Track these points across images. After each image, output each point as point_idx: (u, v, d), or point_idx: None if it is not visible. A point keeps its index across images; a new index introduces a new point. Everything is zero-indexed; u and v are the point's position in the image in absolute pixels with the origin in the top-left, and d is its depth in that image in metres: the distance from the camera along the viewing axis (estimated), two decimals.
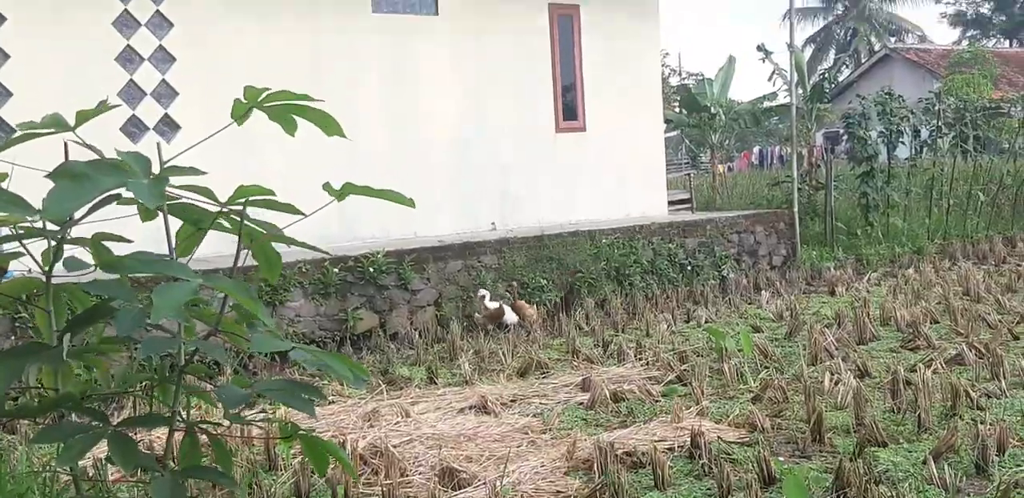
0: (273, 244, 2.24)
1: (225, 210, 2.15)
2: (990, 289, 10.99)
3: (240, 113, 2.29)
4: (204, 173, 2.06)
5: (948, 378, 6.85)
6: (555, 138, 12.93)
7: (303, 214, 2.19)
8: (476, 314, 9.97)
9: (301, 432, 2.44)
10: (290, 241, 2.19)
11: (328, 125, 2.27)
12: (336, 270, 9.23)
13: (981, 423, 5.75)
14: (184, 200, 2.15)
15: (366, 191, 2.32)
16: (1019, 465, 5.27)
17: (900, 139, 15.42)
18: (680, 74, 47.89)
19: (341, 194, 2.32)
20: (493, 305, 9.76)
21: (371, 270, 9.42)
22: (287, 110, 2.25)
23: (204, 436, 2.42)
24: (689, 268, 12.25)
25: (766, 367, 7.85)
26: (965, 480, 5.09)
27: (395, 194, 2.36)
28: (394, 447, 5.66)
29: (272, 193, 2.15)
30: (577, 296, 10.96)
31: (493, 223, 12.22)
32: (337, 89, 10.85)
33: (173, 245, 2.25)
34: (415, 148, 11.62)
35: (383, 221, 10.80)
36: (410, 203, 2.34)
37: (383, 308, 9.60)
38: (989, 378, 7.13)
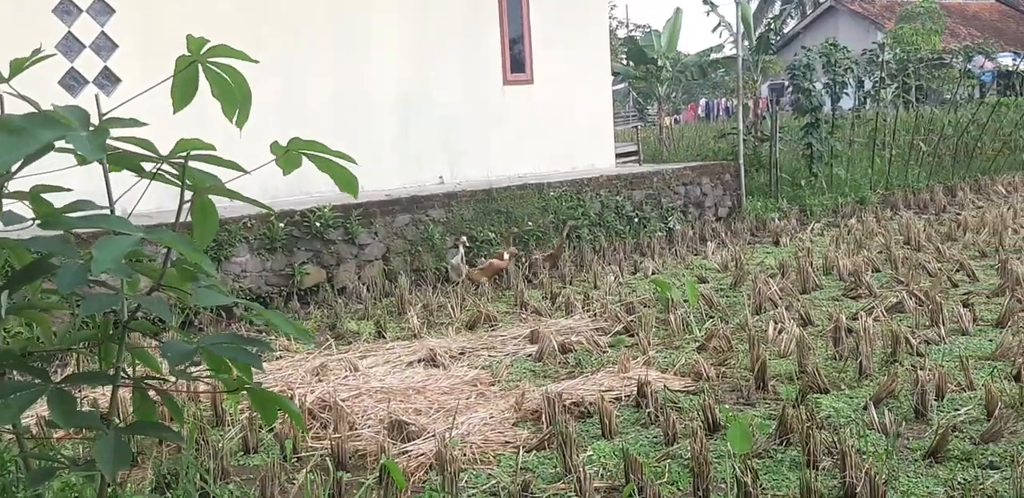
0: (217, 199, 2.21)
1: (164, 163, 2.11)
2: (930, 238, 11.20)
3: (183, 67, 2.24)
4: (145, 124, 2.02)
5: (889, 325, 7.00)
6: (503, 91, 12.85)
7: (244, 171, 2.16)
8: (461, 268, 9.82)
9: (248, 386, 2.43)
10: (232, 194, 2.16)
11: (240, 97, 2.21)
12: (282, 225, 9.15)
13: (920, 369, 5.89)
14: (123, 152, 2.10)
15: (311, 146, 2.29)
16: (957, 409, 5.42)
17: (844, 90, 15.56)
18: (628, 26, 47.70)
19: (287, 152, 2.29)
20: (495, 260, 9.79)
21: (318, 225, 9.35)
22: (220, 77, 2.19)
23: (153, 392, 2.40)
24: (636, 220, 12.33)
25: (711, 317, 7.96)
26: (904, 425, 5.23)
27: (339, 153, 2.33)
28: (342, 401, 5.68)
29: (212, 148, 2.11)
30: (526, 249, 10.99)
31: (441, 177, 12.17)
32: (280, 45, 10.67)
33: (113, 199, 2.22)
34: (361, 103, 11.48)
35: (328, 176, 10.65)
36: (351, 160, 2.32)
37: (330, 263, 9.56)
38: (928, 325, 7.29)
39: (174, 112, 2.28)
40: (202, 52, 2.22)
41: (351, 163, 2.35)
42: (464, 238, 10.06)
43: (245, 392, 2.44)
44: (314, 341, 7.49)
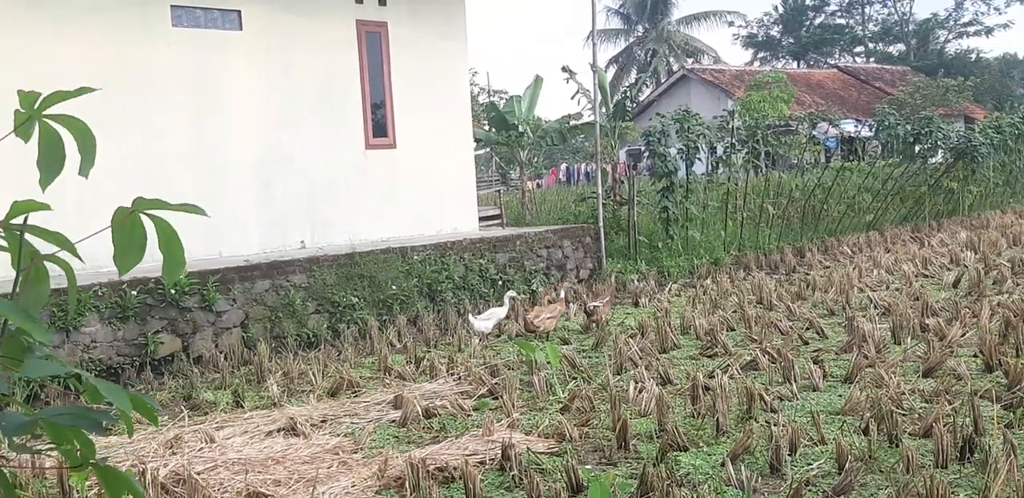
0: (73, 266, 2.12)
1: None
2: (781, 297, 11.61)
3: (20, 123, 2.16)
4: None
5: (744, 383, 7.19)
6: (365, 155, 12.86)
7: (71, 248, 2.07)
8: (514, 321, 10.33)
9: (93, 462, 2.31)
10: (63, 263, 2.08)
11: (86, 148, 2.13)
12: (135, 293, 8.86)
13: (774, 425, 6.06)
14: None
15: (157, 204, 2.22)
16: (809, 464, 5.58)
17: (697, 155, 16.10)
18: (489, 93, 48.57)
19: (132, 213, 2.22)
20: (592, 304, 10.29)
21: (173, 292, 9.09)
22: (50, 135, 2.11)
23: None
24: (500, 283, 12.41)
25: (574, 378, 8.04)
26: (760, 480, 5.35)
27: (188, 206, 2.27)
28: (198, 474, 5.48)
29: (47, 207, 2.03)
30: (390, 313, 10.91)
31: (302, 241, 12.03)
32: (137, 105, 10.48)
33: None
34: (221, 165, 11.32)
35: (186, 241, 10.26)
36: (202, 212, 2.26)
37: (186, 331, 9.28)
38: (781, 381, 7.53)
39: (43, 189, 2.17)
40: (40, 101, 2.14)
41: (208, 219, 2.30)
42: (513, 292, 10.64)
43: (91, 468, 2.32)
44: (160, 412, 7.22)
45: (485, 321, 10.13)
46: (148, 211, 2.15)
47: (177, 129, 10.94)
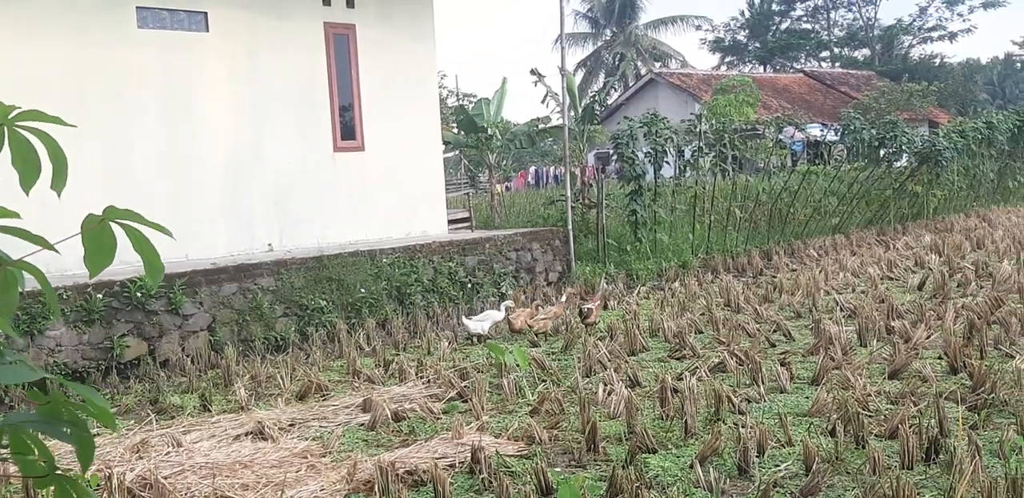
0: (43, 268, 2.10)
1: None
2: (749, 300, 11.69)
3: None
4: None
5: (712, 385, 7.23)
6: (334, 158, 12.81)
7: (51, 247, 2.05)
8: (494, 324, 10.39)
9: (58, 473, 2.28)
10: (33, 269, 2.06)
11: (55, 162, 2.11)
12: (101, 296, 8.78)
13: (742, 427, 6.09)
14: None
15: (128, 215, 2.20)
16: (777, 465, 5.62)
17: (665, 159, 16.16)
18: (458, 96, 48.55)
19: (103, 221, 2.20)
20: (586, 305, 10.48)
21: (139, 295, 9.01)
22: (23, 144, 2.09)
23: None
24: (469, 286, 12.40)
25: (543, 380, 8.05)
26: (729, 482, 5.38)
27: (156, 225, 2.25)
28: (164, 479, 5.44)
29: (16, 215, 2.02)
30: (358, 316, 10.87)
31: (270, 244, 11.97)
32: (105, 107, 10.40)
33: None
34: (190, 168, 11.23)
35: (153, 243, 10.32)
36: (168, 233, 2.24)
37: (152, 334, 9.20)
38: (749, 383, 7.57)
39: None
40: (11, 116, 2.13)
41: (171, 232, 2.28)
42: (510, 301, 10.81)
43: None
44: (116, 426, 7.16)
45: (480, 322, 10.24)
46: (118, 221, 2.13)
47: (145, 131, 10.85)
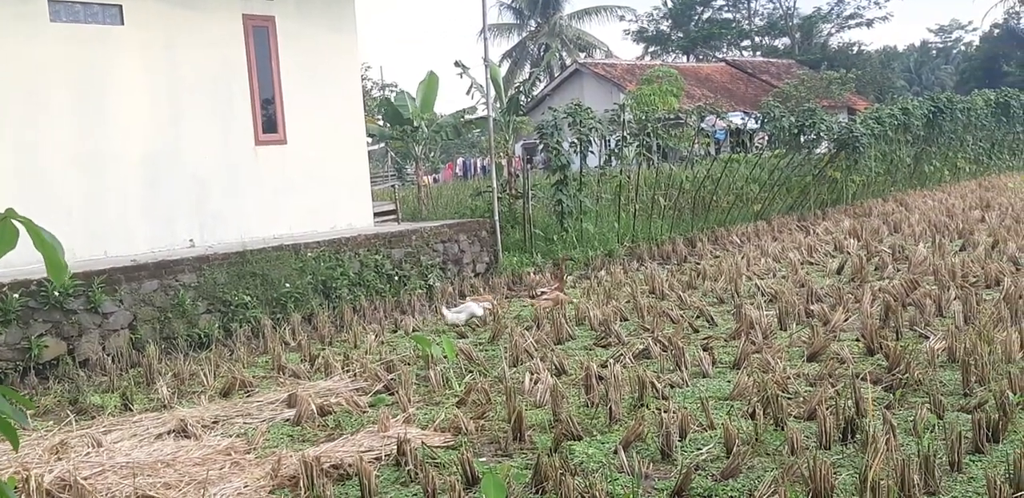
0: None
1: None
2: (673, 287, 11.83)
3: None
4: None
5: (636, 371, 7.32)
6: (255, 151, 12.65)
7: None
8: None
9: None
10: None
11: None
12: (16, 296, 8.57)
13: (665, 412, 6.19)
14: None
15: (28, 223, 2.15)
16: (699, 449, 5.71)
17: (590, 149, 16.27)
18: (383, 88, 48.21)
19: (4, 218, 2.15)
20: (553, 294, 10.67)
21: (56, 294, 8.82)
22: None
23: None
24: (396, 278, 12.36)
25: (471, 371, 8.07)
26: (652, 466, 5.46)
27: (53, 238, 2.18)
28: (84, 479, 5.35)
29: None
30: (284, 311, 10.77)
31: (191, 240, 11.78)
32: (16, 104, 10.13)
33: None
34: (104, 164, 10.98)
35: (69, 241, 10.10)
36: (53, 242, 2.18)
37: (71, 334, 9.01)
38: (672, 369, 7.68)
39: None
40: None
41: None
42: (488, 303, 10.81)
43: None
44: (27, 424, 7.02)
45: (457, 314, 10.36)
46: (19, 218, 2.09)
47: (59, 126, 10.60)
